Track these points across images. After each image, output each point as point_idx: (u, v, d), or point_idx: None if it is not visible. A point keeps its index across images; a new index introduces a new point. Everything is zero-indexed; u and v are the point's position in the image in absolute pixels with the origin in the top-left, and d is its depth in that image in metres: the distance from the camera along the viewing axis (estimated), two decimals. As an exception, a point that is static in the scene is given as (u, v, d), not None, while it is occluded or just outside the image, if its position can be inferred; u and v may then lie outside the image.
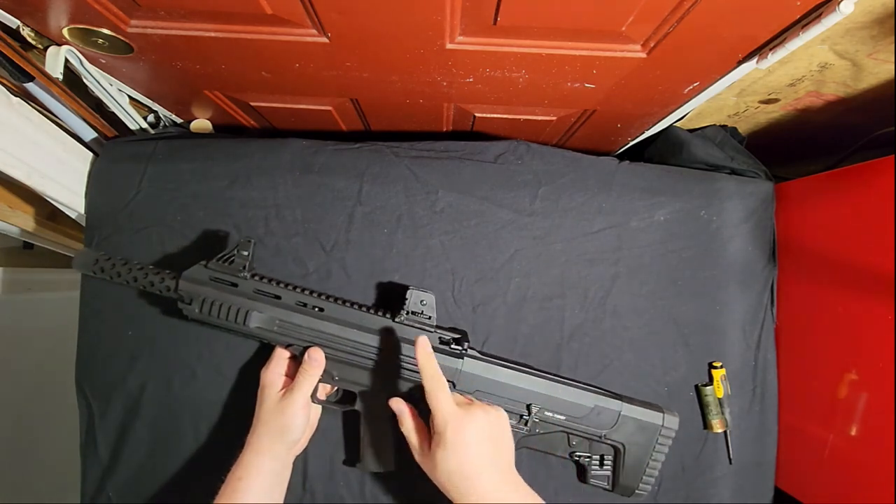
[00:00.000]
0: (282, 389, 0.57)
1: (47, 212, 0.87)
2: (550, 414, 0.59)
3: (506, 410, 0.58)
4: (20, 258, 1.08)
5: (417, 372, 0.56)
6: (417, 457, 0.52)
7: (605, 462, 0.61)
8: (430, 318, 0.59)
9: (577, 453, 0.61)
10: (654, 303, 0.66)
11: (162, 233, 0.66)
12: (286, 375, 0.59)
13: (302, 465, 0.64)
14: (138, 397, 0.65)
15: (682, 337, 0.66)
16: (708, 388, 0.65)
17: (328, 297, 0.59)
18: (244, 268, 0.58)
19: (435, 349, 0.58)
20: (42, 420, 1.08)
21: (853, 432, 0.57)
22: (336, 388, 0.61)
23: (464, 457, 0.48)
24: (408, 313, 0.59)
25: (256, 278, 0.59)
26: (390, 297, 0.65)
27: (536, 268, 0.66)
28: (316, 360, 0.57)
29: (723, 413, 0.65)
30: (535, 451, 0.64)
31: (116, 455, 0.65)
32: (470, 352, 0.60)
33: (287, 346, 0.59)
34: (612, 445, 0.60)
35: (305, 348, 0.58)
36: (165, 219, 0.66)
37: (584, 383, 0.61)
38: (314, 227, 0.66)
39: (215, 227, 0.66)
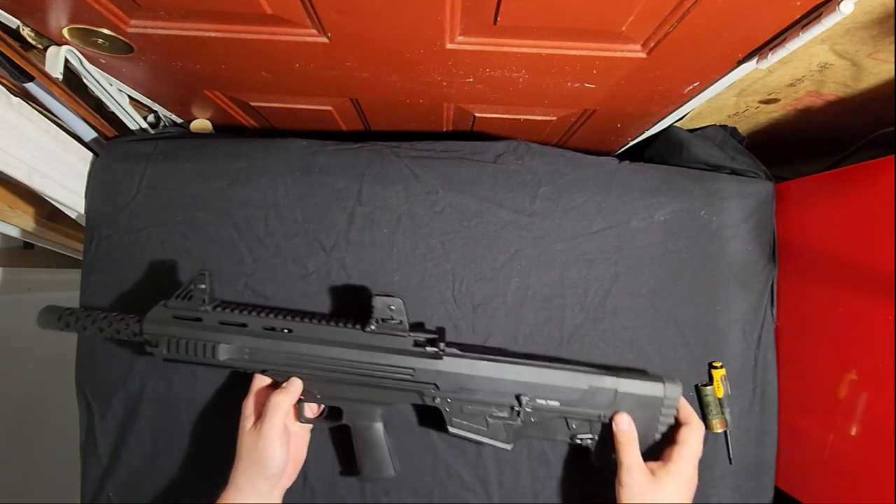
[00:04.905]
0: (257, 421, 0.55)
1: (47, 212, 0.87)
2: (543, 402, 0.57)
3: (495, 404, 0.57)
4: (20, 258, 1.08)
5: (399, 379, 0.57)
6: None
7: (607, 438, 0.58)
8: (400, 322, 0.57)
9: (579, 436, 0.59)
10: (654, 303, 0.66)
11: (162, 233, 0.66)
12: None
13: (302, 465, 0.64)
14: (138, 397, 0.65)
15: (682, 337, 0.66)
16: (708, 388, 0.65)
17: (294, 316, 0.58)
18: (204, 301, 0.57)
19: (412, 353, 0.57)
20: (42, 420, 1.08)
21: (853, 432, 0.57)
22: (321, 405, 0.61)
23: None
24: (377, 322, 0.57)
25: (219, 309, 0.58)
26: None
27: (536, 268, 0.66)
28: (292, 389, 0.56)
29: (723, 413, 0.65)
30: (535, 452, 0.64)
31: (116, 455, 0.65)
32: (448, 350, 0.58)
33: (263, 372, 0.58)
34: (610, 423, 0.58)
35: (287, 374, 0.57)
36: (165, 219, 0.66)
37: (574, 363, 0.60)
38: (314, 227, 0.66)
39: (214, 228, 0.66)
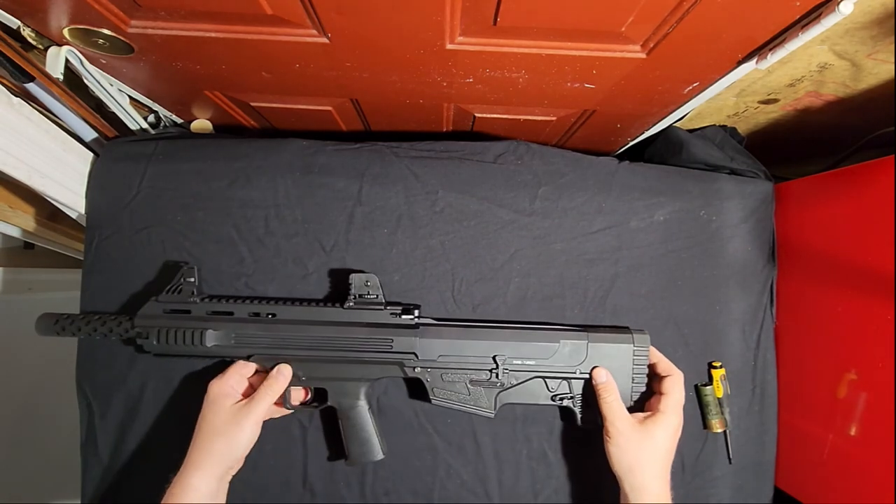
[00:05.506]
0: (238, 402, 0.56)
1: (48, 212, 0.87)
2: (519, 362, 0.60)
3: (473, 369, 0.59)
4: (21, 258, 1.08)
5: (379, 351, 0.59)
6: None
7: (590, 399, 0.60)
8: (377, 296, 0.60)
9: (559, 395, 0.61)
10: (653, 303, 0.66)
11: (162, 233, 0.66)
12: (241, 393, 0.58)
13: (302, 464, 0.64)
14: (138, 397, 0.65)
15: (681, 337, 0.66)
16: (707, 387, 0.65)
17: (278, 300, 0.61)
18: (193, 293, 0.60)
19: (389, 324, 0.59)
20: (43, 420, 1.08)
21: (853, 432, 0.57)
22: (306, 389, 0.62)
23: (634, 461, 0.55)
24: (355, 298, 0.60)
25: (207, 300, 0.60)
26: (392, 296, 0.65)
27: (536, 268, 0.66)
28: (283, 374, 0.58)
29: (722, 413, 0.65)
30: (534, 452, 0.65)
31: (116, 455, 0.65)
32: (423, 320, 0.61)
33: (248, 357, 0.59)
34: (588, 379, 0.60)
35: (272, 358, 0.59)
36: (166, 219, 0.66)
37: (545, 323, 0.62)
38: (314, 227, 0.66)
39: (214, 228, 0.66)
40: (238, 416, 0.54)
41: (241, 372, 0.58)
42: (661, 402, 0.57)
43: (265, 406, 0.55)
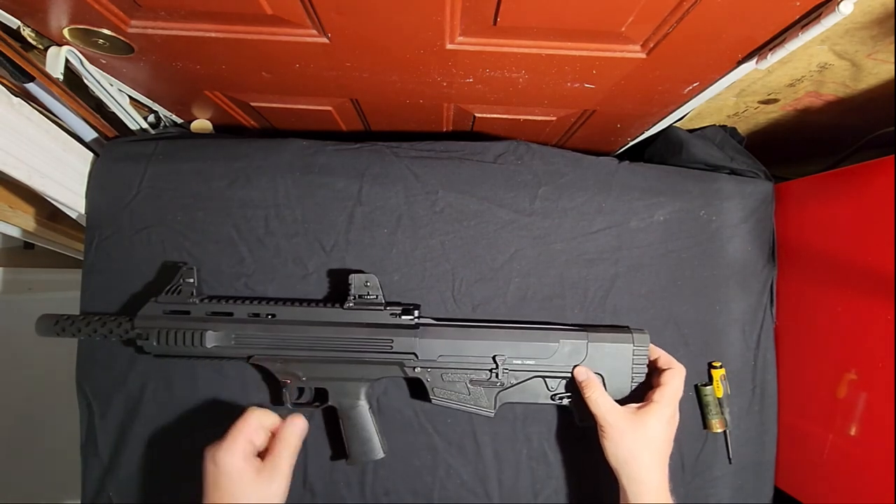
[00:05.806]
0: (259, 466, 0.52)
1: (48, 212, 0.87)
2: (519, 361, 0.60)
3: (473, 368, 0.60)
4: (20, 258, 1.08)
5: (379, 351, 0.59)
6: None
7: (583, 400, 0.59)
8: (376, 297, 0.60)
9: (558, 395, 0.61)
10: (653, 303, 0.66)
11: (162, 233, 0.66)
12: (255, 454, 0.53)
13: (302, 465, 0.64)
14: (138, 397, 0.65)
15: (681, 337, 0.66)
16: (707, 387, 0.65)
17: (278, 301, 0.61)
18: (192, 294, 0.60)
19: (389, 325, 0.59)
20: (42, 420, 1.08)
21: (853, 432, 0.57)
22: (306, 388, 0.62)
23: (628, 453, 0.54)
24: (355, 298, 0.60)
25: (206, 301, 0.60)
26: (392, 296, 0.65)
27: (536, 268, 0.66)
28: (298, 426, 0.54)
29: (722, 413, 0.65)
30: (534, 451, 0.65)
31: (116, 455, 0.65)
32: (423, 320, 0.61)
33: (248, 359, 0.60)
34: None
35: (273, 359, 0.59)
36: (165, 219, 0.66)
37: (545, 323, 0.62)
38: (314, 227, 0.66)
39: (214, 228, 0.66)
40: (268, 481, 0.51)
41: (249, 436, 0.52)
42: (656, 392, 0.57)
43: (290, 462, 0.53)
